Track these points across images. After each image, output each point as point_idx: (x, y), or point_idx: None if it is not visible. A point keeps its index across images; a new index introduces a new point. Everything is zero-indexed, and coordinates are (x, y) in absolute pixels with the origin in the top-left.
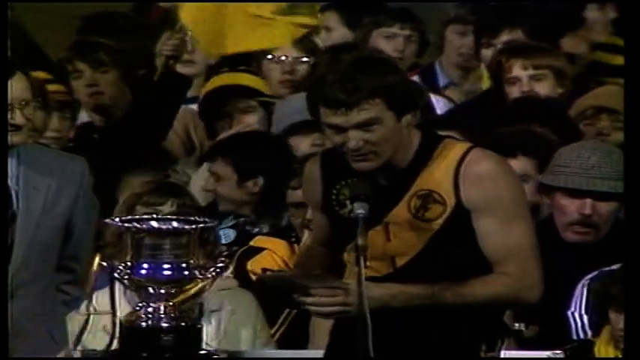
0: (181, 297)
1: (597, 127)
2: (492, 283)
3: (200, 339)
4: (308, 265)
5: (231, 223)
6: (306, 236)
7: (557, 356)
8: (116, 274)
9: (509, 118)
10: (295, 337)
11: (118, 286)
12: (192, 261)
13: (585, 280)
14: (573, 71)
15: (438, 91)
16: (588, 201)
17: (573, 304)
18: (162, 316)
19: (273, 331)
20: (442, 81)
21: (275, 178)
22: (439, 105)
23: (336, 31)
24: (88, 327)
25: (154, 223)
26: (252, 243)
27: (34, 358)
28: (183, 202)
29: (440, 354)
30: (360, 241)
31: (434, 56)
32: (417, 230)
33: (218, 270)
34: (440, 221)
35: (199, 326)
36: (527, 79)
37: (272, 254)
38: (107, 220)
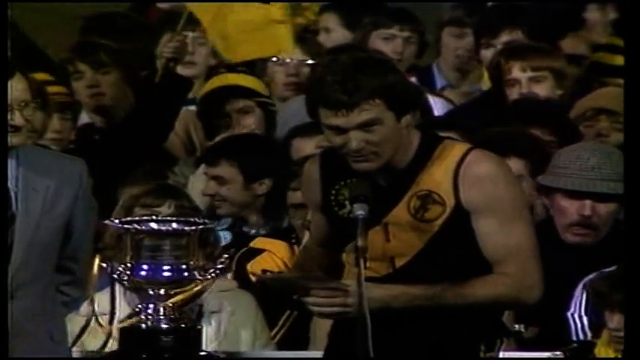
0: (181, 297)
1: (597, 128)
2: (492, 284)
3: (200, 340)
4: (307, 265)
5: (226, 225)
6: (306, 237)
7: (557, 357)
8: (116, 276)
9: (508, 119)
10: (296, 339)
11: (118, 287)
12: (192, 262)
13: (585, 282)
14: (575, 72)
15: (436, 93)
16: (588, 202)
17: (573, 306)
18: (162, 317)
19: (273, 333)
20: (439, 83)
21: (281, 180)
22: (437, 106)
23: (335, 32)
24: (89, 328)
25: (154, 225)
26: (252, 244)
27: (34, 358)
28: (181, 203)
29: (439, 354)
30: (359, 242)
31: (432, 58)
32: (416, 231)
33: (218, 271)
34: (439, 222)
35: (199, 327)
36: (526, 81)
37: (272, 256)
38: (107, 222)
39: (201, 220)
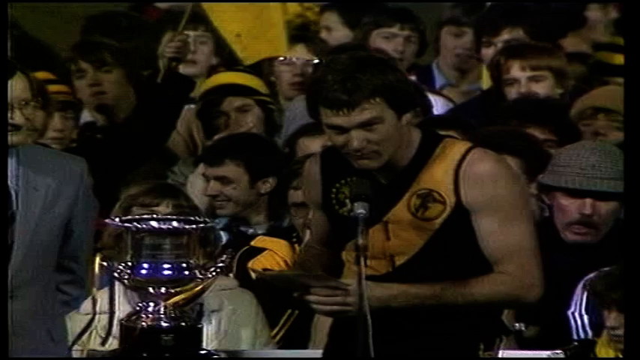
0: (182, 297)
1: (595, 127)
2: (493, 283)
3: (200, 339)
4: (308, 264)
5: (221, 226)
6: (307, 236)
7: (558, 356)
8: (116, 274)
9: (508, 118)
10: (297, 338)
11: (117, 286)
12: (192, 261)
13: (585, 280)
14: (579, 70)
15: (436, 91)
16: (588, 201)
17: (573, 304)
18: (163, 316)
19: (274, 333)
20: (439, 82)
21: (283, 178)
22: (437, 105)
23: (336, 31)
24: (91, 328)
25: (154, 223)
26: (253, 243)
27: (34, 358)
28: (179, 202)
29: (439, 353)
30: (360, 241)
31: (431, 57)
32: (416, 229)
33: (218, 270)
34: (439, 220)
35: (199, 326)
36: (525, 81)
37: (273, 254)
38: (108, 220)
39: (202, 219)
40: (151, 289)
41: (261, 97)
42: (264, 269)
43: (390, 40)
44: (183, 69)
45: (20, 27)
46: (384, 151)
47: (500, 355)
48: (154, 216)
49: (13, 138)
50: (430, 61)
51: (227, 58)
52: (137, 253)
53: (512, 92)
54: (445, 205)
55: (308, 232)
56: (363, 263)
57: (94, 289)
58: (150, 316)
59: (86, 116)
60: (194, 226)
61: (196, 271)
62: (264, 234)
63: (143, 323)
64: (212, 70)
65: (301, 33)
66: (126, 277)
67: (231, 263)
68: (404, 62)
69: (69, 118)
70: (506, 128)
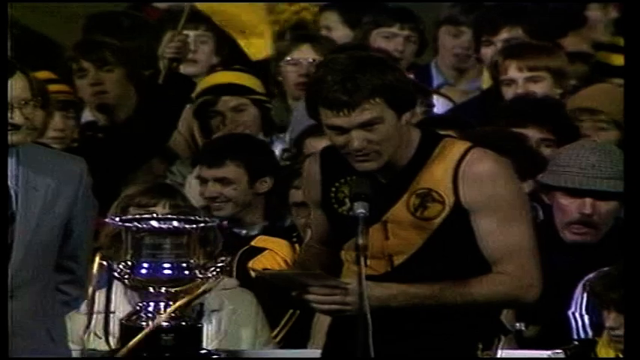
0: (185, 300)
1: (583, 128)
2: (491, 283)
3: (200, 339)
4: (308, 263)
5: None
6: (308, 235)
7: (558, 356)
8: (116, 274)
9: (506, 117)
10: (297, 339)
11: (115, 285)
12: (192, 260)
13: (585, 280)
14: (581, 70)
15: (436, 91)
16: (588, 200)
17: (573, 304)
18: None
19: (275, 333)
20: (437, 81)
21: (285, 178)
22: (437, 105)
23: (336, 31)
24: (91, 327)
25: (155, 223)
26: (253, 243)
27: (34, 358)
28: (176, 202)
29: (438, 353)
30: (360, 241)
31: (430, 57)
32: (415, 229)
33: (218, 270)
34: (438, 220)
35: (200, 326)
36: (522, 81)
37: (274, 254)
38: (108, 220)
39: (202, 219)
40: (151, 289)
41: (257, 96)
42: (264, 269)
43: (390, 40)
44: (183, 68)
45: (21, 25)
46: (385, 151)
47: (499, 355)
48: (154, 215)
49: (12, 137)
50: (429, 61)
51: (227, 57)
52: (137, 252)
53: (509, 92)
54: (444, 205)
55: (309, 231)
56: (363, 263)
57: (91, 289)
58: (150, 315)
59: (87, 116)
60: (194, 225)
61: (196, 271)
62: (258, 234)
63: (143, 323)
64: (212, 70)
65: (306, 32)
66: (126, 276)
67: (231, 263)
68: (403, 62)
69: (70, 117)
70: (497, 128)
